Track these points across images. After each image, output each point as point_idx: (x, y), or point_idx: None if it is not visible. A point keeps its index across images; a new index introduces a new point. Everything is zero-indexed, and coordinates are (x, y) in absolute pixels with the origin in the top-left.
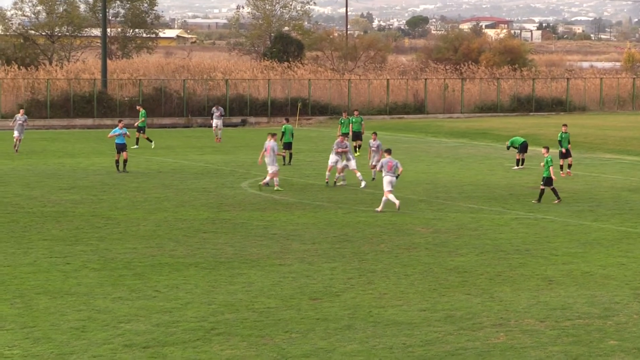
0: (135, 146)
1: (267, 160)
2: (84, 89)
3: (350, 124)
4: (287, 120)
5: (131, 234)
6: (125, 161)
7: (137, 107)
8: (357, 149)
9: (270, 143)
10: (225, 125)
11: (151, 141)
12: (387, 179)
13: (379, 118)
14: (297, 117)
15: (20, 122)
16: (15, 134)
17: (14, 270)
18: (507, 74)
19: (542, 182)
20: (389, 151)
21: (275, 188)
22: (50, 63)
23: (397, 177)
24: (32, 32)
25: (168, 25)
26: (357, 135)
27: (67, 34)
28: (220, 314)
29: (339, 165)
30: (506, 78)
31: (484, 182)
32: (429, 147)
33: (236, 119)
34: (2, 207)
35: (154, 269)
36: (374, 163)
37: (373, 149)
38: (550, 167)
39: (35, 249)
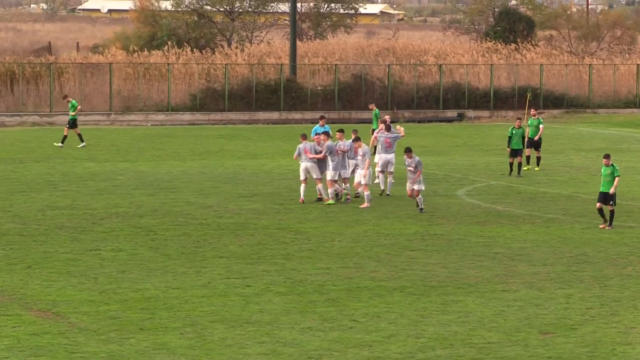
0: (60, 144)
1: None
2: (268, 76)
3: (527, 129)
4: (520, 121)
5: (324, 251)
6: None
7: (67, 99)
8: (536, 162)
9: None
10: (438, 120)
11: (82, 141)
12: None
13: (627, 112)
14: (526, 111)
15: None
16: None
17: (185, 293)
18: None
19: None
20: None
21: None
22: (229, 45)
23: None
24: (208, 7)
25: (370, 0)
26: (532, 144)
27: (249, 9)
28: (431, 350)
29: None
30: None
31: None
32: None
33: (451, 113)
34: (172, 217)
35: (350, 293)
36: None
37: (410, 168)
38: (616, 178)
39: (210, 268)
